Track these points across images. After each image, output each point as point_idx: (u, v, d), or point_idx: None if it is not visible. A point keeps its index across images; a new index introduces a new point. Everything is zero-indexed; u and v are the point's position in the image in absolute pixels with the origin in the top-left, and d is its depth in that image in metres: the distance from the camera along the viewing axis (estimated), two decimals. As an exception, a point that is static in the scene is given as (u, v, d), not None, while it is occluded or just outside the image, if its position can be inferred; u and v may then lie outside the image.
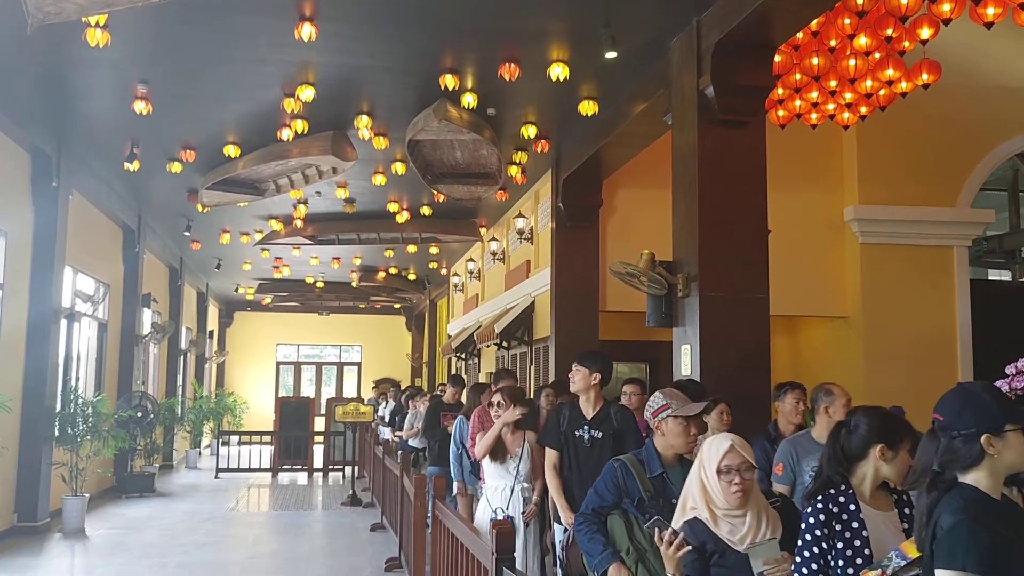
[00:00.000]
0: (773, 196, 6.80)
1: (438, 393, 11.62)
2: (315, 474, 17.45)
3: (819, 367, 10.39)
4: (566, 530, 4.75)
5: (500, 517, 5.37)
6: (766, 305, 6.58)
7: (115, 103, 8.95)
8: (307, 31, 6.70)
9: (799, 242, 9.60)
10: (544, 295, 11.48)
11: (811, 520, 2.79)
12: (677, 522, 3.07)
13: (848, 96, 7.39)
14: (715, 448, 3.04)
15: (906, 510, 2.93)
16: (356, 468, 15.04)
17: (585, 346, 10.28)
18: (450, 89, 7.95)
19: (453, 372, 17.10)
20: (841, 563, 2.75)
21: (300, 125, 8.99)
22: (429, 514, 6.45)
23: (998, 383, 5.76)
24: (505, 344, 13.41)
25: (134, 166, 10.51)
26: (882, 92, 7.14)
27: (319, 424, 19.43)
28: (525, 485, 5.68)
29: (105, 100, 9.03)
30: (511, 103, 8.83)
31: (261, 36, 7.34)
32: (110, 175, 12.12)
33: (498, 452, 5.72)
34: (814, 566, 2.76)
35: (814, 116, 7.82)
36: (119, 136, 10.20)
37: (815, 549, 2.76)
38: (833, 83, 7.14)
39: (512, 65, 7.55)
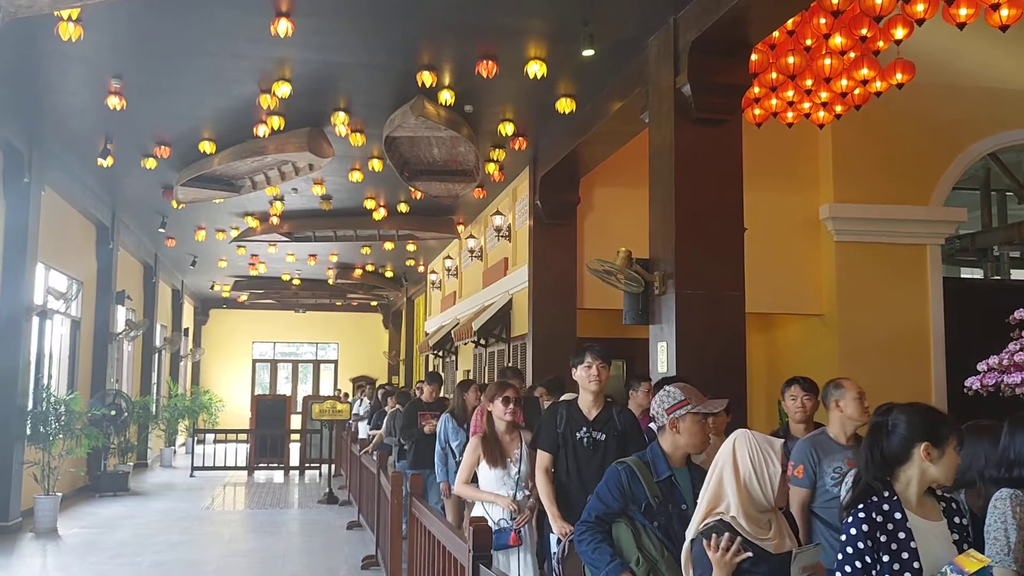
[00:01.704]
0: (749, 194, 6.83)
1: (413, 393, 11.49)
2: (291, 472, 17.37)
3: (794, 364, 10.43)
4: (559, 541, 4.38)
5: (503, 528, 4.92)
6: (742, 303, 6.62)
7: (88, 98, 8.85)
8: (284, 27, 6.66)
9: (775, 240, 9.66)
10: (522, 292, 11.49)
11: (852, 532, 2.55)
12: (693, 528, 2.88)
13: (823, 95, 7.44)
14: (769, 447, 2.83)
15: (956, 519, 2.69)
16: (333, 466, 14.99)
17: (563, 344, 10.32)
18: (427, 86, 7.93)
19: (430, 370, 17.01)
20: None
21: (276, 121, 8.94)
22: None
23: (970, 380, 5.83)
24: (483, 342, 13.41)
25: (108, 162, 10.41)
26: (857, 91, 7.19)
27: (295, 422, 19.34)
28: (527, 492, 5.16)
29: (78, 95, 8.93)
30: (489, 100, 8.82)
31: (237, 31, 7.28)
32: (83, 171, 11.99)
33: (496, 457, 5.16)
34: None
35: (790, 115, 7.87)
36: (92, 131, 10.09)
37: (858, 564, 2.52)
38: (809, 82, 7.19)
39: (490, 62, 7.54)
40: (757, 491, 2.78)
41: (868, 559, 2.51)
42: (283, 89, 8.14)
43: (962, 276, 12.15)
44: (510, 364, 11.45)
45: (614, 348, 11.55)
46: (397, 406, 10.63)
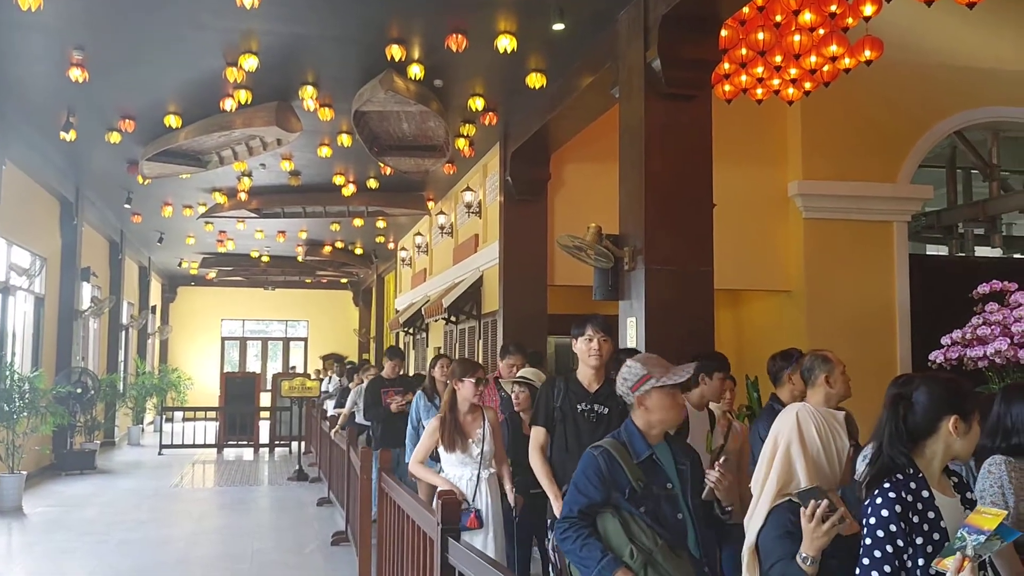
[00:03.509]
0: (718, 170, 6.83)
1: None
2: (261, 450, 17.31)
3: (762, 340, 10.54)
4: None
5: (464, 509, 4.76)
6: (711, 278, 6.63)
7: (49, 70, 8.66)
8: (249, -3, 6.54)
9: (744, 216, 9.70)
10: (492, 269, 11.47)
11: (884, 513, 2.36)
12: (762, 515, 2.64)
13: (793, 72, 7.45)
14: (834, 420, 2.68)
15: (968, 494, 2.57)
16: (303, 443, 14.94)
17: (534, 320, 10.34)
18: (396, 60, 7.84)
19: (391, 345, 16.80)
20: (921, 562, 2.33)
21: (243, 95, 8.80)
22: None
23: (934, 354, 5.92)
24: (453, 319, 13.39)
25: (70, 136, 10.20)
26: (826, 68, 7.21)
27: (265, 400, 19.27)
28: (492, 471, 5.06)
29: (39, 66, 8.73)
30: (458, 75, 8.75)
31: (202, 2, 7.14)
32: (46, 145, 11.76)
33: (456, 439, 5.02)
34: (887, 568, 2.33)
35: (759, 91, 7.88)
36: (54, 104, 9.89)
37: (888, 548, 2.33)
38: (778, 58, 7.20)
39: (459, 36, 7.47)
40: (825, 467, 2.63)
41: (901, 542, 2.33)
42: (250, 62, 8.01)
43: (928, 253, 12.29)
44: (512, 341, 11.21)
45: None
46: (364, 382, 10.51)
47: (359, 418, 10.40)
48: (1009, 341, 5.42)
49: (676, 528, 3.15)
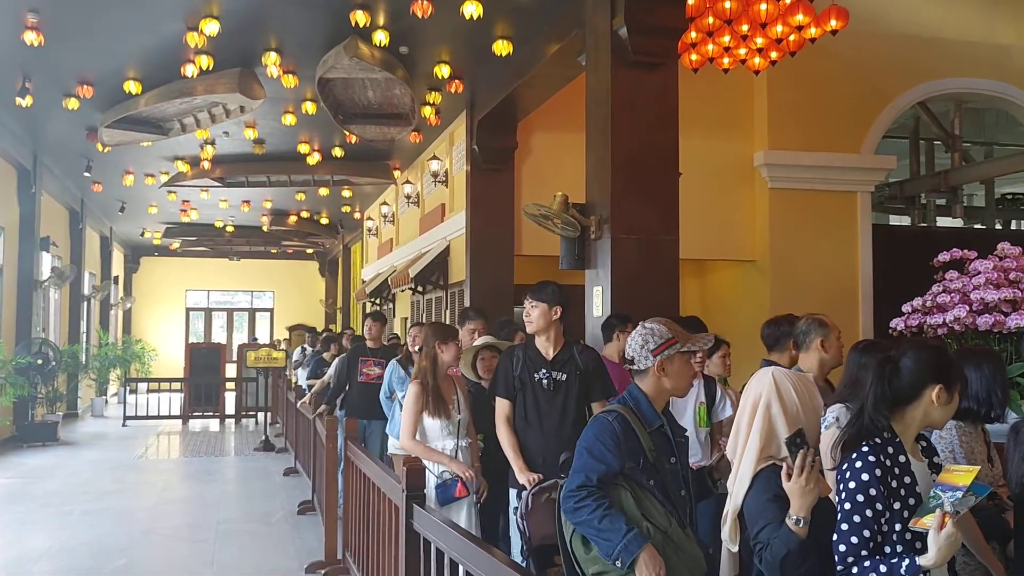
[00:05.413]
0: (685, 140, 6.84)
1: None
2: (227, 420, 17.22)
3: (727, 310, 10.63)
4: (520, 495, 4.06)
5: (450, 479, 4.63)
6: (676, 248, 6.65)
7: (3, 33, 8.44)
8: (209, -40, 6.42)
9: (709, 186, 9.73)
10: (459, 239, 11.43)
11: (864, 477, 2.34)
12: (747, 480, 2.63)
13: (759, 41, 7.44)
14: (807, 381, 2.70)
15: (935, 459, 2.59)
16: (269, 414, 14.86)
17: (501, 290, 10.33)
18: (361, 26, 7.73)
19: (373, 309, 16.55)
20: (898, 527, 2.33)
21: (205, 61, 8.66)
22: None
23: (895, 321, 6.00)
24: (420, 289, 13.35)
25: (27, 101, 9.98)
26: (792, 38, 7.21)
27: (231, 370, 19.15)
28: (469, 440, 4.90)
29: (-7, 30, 8.53)
30: (424, 41, 8.65)
31: (160, -36, 7.00)
32: (0, 111, 11.50)
33: (439, 407, 4.83)
34: (866, 533, 2.32)
35: (726, 60, 7.85)
36: (9, 69, 9.65)
37: (868, 512, 2.31)
38: (745, 27, 7.18)
39: (425, 2, 7.36)
40: (805, 428, 2.63)
41: (880, 506, 2.31)
42: (211, 27, 7.86)
43: (891, 223, 12.41)
44: (472, 306, 10.94)
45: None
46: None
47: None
48: (968, 308, 5.49)
49: (681, 505, 3.01)
